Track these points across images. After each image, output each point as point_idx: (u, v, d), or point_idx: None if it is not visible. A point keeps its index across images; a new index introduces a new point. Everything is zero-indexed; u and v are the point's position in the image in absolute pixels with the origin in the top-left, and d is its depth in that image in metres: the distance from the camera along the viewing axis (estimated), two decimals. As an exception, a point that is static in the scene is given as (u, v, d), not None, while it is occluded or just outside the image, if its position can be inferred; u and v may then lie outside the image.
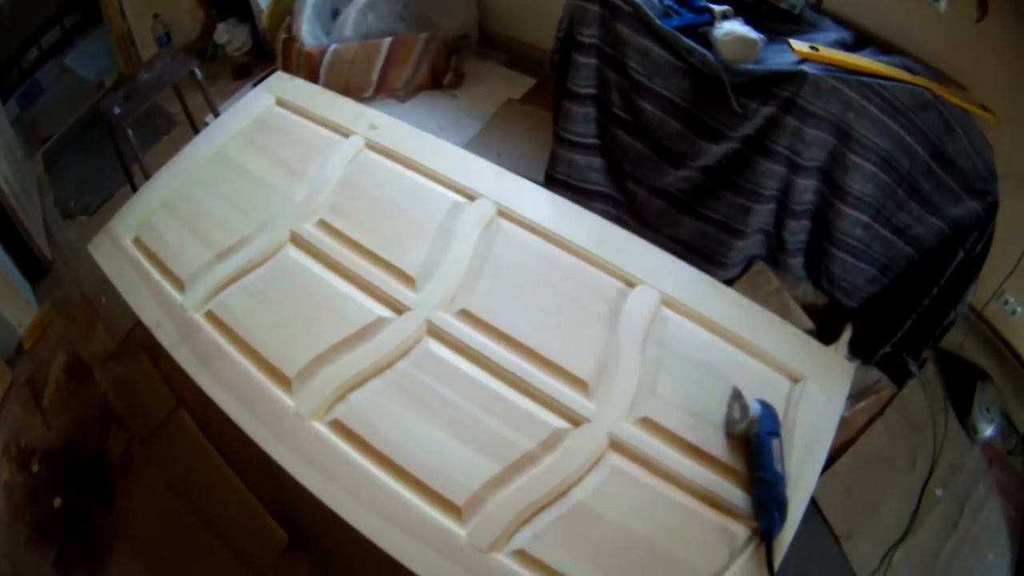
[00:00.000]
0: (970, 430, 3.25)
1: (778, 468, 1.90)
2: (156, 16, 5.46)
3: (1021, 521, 3.08)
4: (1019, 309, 3.25)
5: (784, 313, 3.12)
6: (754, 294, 3.09)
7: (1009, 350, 3.40)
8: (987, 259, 2.94)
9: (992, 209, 2.83)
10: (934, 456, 3.13)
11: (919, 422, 3.25)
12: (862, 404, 3.23)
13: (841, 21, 3.04)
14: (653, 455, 2.01)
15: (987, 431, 3.22)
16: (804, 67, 2.67)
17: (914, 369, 3.21)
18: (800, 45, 2.76)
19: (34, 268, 4.38)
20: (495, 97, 4.68)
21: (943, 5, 2.69)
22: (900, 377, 3.27)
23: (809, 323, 3.20)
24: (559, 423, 2.08)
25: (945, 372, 3.44)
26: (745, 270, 3.32)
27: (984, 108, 2.79)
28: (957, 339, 3.36)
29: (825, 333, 3.20)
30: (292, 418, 2.16)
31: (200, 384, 2.30)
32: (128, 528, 3.18)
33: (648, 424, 2.07)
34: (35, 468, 3.48)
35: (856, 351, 3.25)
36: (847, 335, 3.21)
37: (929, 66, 2.88)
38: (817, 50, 2.74)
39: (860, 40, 2.98)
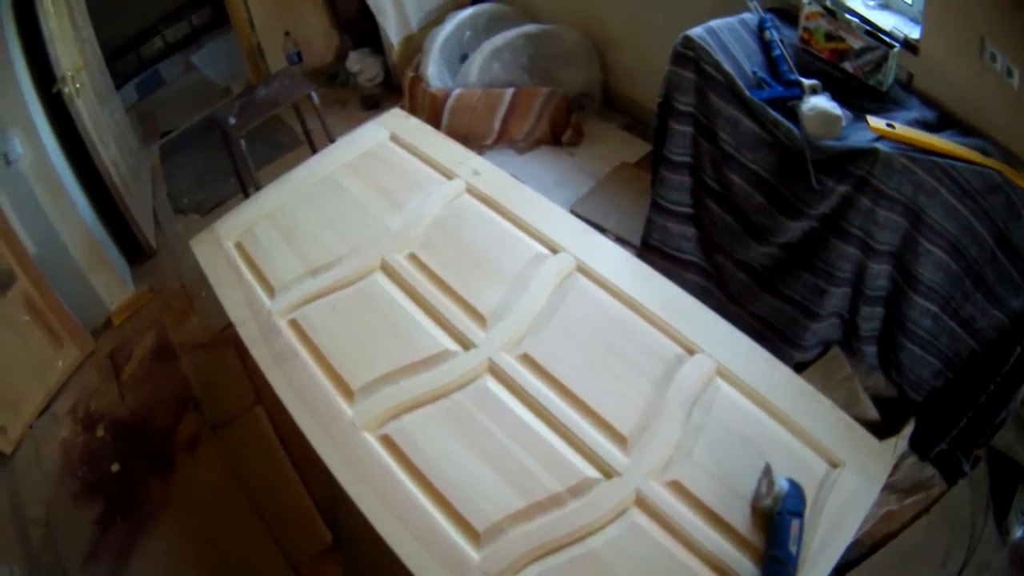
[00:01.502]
0: (1004, 531, 3.20)
1: (792, 549, 1.98)
2: (287, 34, 5.74)
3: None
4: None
5: (852, 401, 3.17)
6: (826, 380, 3.19)
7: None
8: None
9: (1055, 299, 2.77)
10: (966, 558, 3.11)
11: (959, 521, 3.21)
12: (911, 499, 3.21)
13: (929, 100, 3.00)
14: (675, 517, 2.12)
15: (1019, 532, 3.17)
16: (878, 144, 2.66)
17: (966, 467, 3.18)
18: (876, 122, 2.73)
19: (136, 251, 4.67)
20: (611, 158, 4.73)
21: (1016, 81, 2.61)
22: (952, 475, 3.25)
23: (875, 414, 3.21)
24: (592, 472, 2.22)
25: (993, 472, 3.39)
26: (822, 354, 3.33)
27: None
28: (1008, 439, 3.33)
29: (889, 425, 3.18)
30: (347, 426, 2.38)
31: (270, 380, 2.55)
32: (180, 501, 3.42)
33: (677, 487, 2.18)
34: (100, 433, 3.76)
35: (915, 446, 3.25)
36: (909, 429, 3.19)
37: (1005, 148, 2.80)
38: (893, 127, 2.71)
39: (943, 121, 2.93)
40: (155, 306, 4.43)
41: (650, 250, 3.52)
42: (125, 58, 6.41)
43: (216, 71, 6.56)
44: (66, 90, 3.93)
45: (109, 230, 4.56)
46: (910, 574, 3.05)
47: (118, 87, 5.74)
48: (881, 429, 3.11)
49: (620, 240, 3.87)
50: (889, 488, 3.12)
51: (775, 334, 3.26)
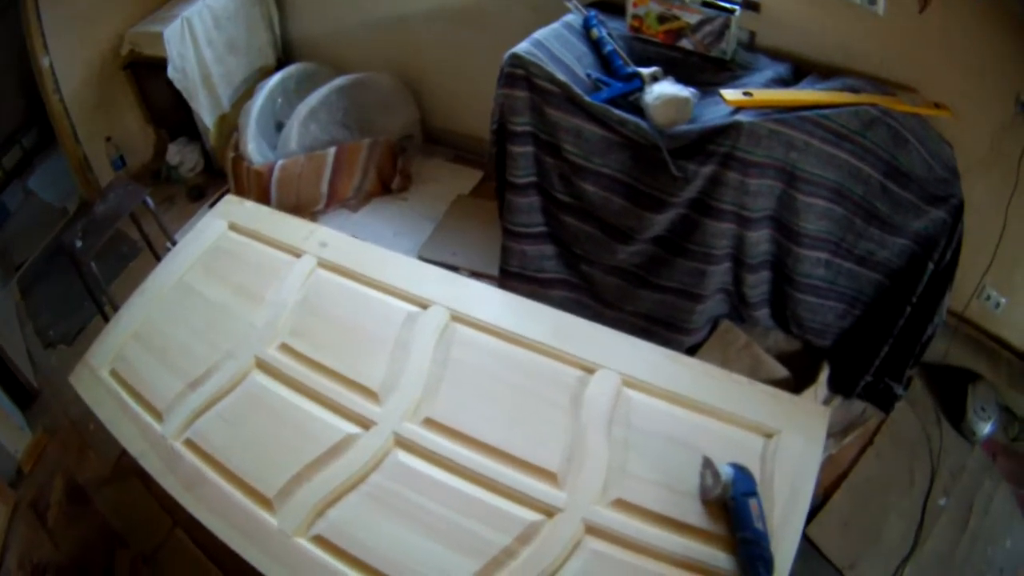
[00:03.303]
0: (967, 434, 3.19)
1: (758, 526, 1.89)
2: (108, 139, 5.41)
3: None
4: (1003, 300, 3.17)
5: (756, 367, 3.08)
6: (724, 353, 3.10)
7: (999, 343, 3.33)
8: (960, 261, 2.83)
9: (958, 211, 2.71)
10: (932, 468, 3.08)
11: (912, 441, 3.19)
12: (850, 438, 3.16)
13: (778, 55, 2.93)
14: (631, 534, 1.99)
15: (985, 429, 3.16)
16: (738, 117, 2.55)
17: (900, 391, 3.12)
18: (732, 94, 2.61)
19: (22, 395, 4.33)
20: (445, 195, 4.61)
21: (881, 7, 2.59)
22: (886, 403, 3.19)
23: (784, 371, 3.11)
24: (533, 516, 2.05)
25: (933, 385, 3.38)
26: (712, 331, 3.22)
27: (937, 106, 2.70)
28: (940, 349, 3.29)
29: (803, 377, 3.11)
30: (277, 536, 2.14)
31: (188, 509, 2.29)
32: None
33: (622, 504, 2.05)
34: (51, 584, 3.48)
35: (837, 387, 3.18)
36: (825, 374, 3.12)
37: (874, 79, 2.77)
38: (751, 95, 2.59)
39: (799, 71, 2.86)
40: (54, 447, 4.09)
41: (511, 278, 3.35)
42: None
43: (51, 192, 6.16)
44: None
45: (-6, 378, 4.25)
46: (879, 503, 3.00)
47: (-29, 227, 5.38)
48: (796, 384, 3.05)
49: (476, 274, 3.66)
50: (823, 435, 3.07)
51: (661, 326, 3.13)
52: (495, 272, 3.45)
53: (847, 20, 2.70)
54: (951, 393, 3.33)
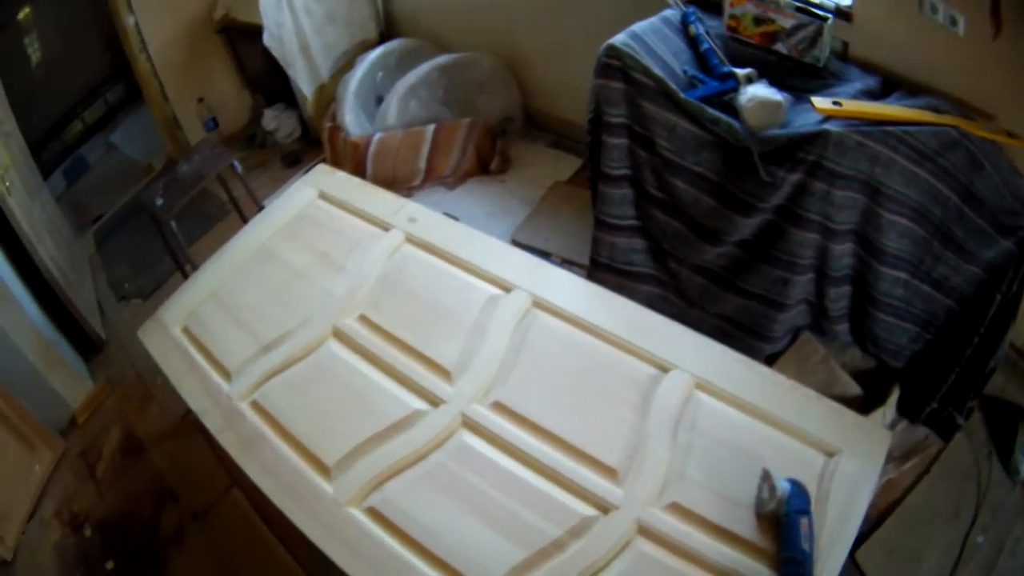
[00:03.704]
0: (1012, 471, 3.17)
1: (805, 547, 1.91)
2: (200, 100, 5.62)
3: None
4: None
5: (831, 382, 3.09)
6: (801, 365, 3.11)
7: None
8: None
9: (1024, 243, 2.73)
10: (977, 504, 3.07)
11: (962, 473, 3.18)
12: (909, 463, 3.17)
13: (868, 67, 2.93)
14: (681, 539, 2.02)
15: None
16: (827, 126, 2.57)
17: (960, 421, 3.12)
18: (822, 102, 2.61)
19: (87, 345, 4.52)
20: (542, 180, 4.66)
21: (961, 28, 2.57)
22: (947, 431, 3.19)
23: (857, 389, 3.13)
24: (587, 511, 2.11)
25: (989, 418, 3.35)
26: (792, 342, 3.24)
27: (1011, 135, 2.67)
28: (999, 383, 3.26)
29: (874, 397, 3.12)
30: (330, 504, 2.24)
31: (243, 467, 2.41)
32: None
33: (677, 509, 2.08)
34: (87, 533, 3.62)
35: (904, 411, 3.19)
36: (895, 397, 3.12)
37: (957, 101, 2.76)
38: (840, 105, 2.60)
39: (887, 86, 2.86)
40: (115, 399, 4.28)
41: (600, 268, 3.40)
42: (49, 147, 6.22)
43: (136, 148, 6.38)
44: (-3, 191, 3.78)
45: (59, 327, 4.40)
46: (923, 534, 3.00)
47: (46, 176, 5.60)
48: (866, 402, 3.05)
49: (567, 262, 3.77)
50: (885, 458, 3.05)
51: (743, 331, 3.16)
52: (586, 261, 3.50)
53: (931, 39, 2.70)
54: (1004, 428, 3.31)
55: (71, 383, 4.26)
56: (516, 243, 3.81)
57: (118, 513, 3.70)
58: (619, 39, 2.94)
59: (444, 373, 2.47)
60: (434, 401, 2.41)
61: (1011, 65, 2.61)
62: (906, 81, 2.83)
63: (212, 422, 2.56)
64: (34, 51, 5.97)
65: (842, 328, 3.11)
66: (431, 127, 4.62)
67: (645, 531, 2.06)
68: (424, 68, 4.68)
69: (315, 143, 5.46)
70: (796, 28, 2.85)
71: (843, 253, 2.82)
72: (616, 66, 2.92)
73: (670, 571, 2.00)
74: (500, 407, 2.36)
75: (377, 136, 4.53)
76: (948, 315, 2.95)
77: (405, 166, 4.64)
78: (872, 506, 2.90)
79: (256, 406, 2.56)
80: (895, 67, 2.85)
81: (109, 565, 3.50)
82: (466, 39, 4.98)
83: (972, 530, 3.02)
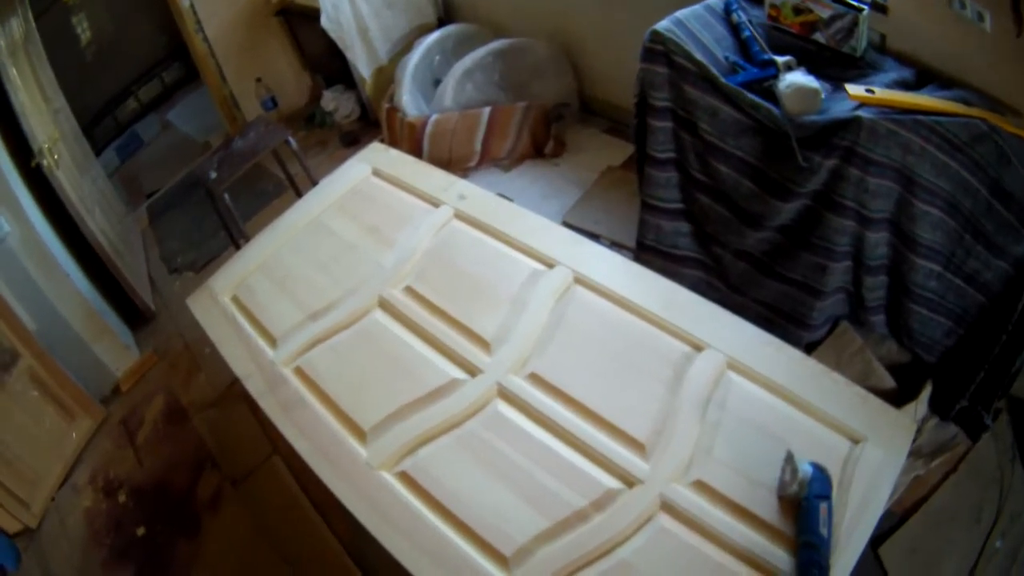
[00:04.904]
0: None
1: (823, 532, 1.96)
2: (259, 80, 5.77)
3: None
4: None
5: (867, 373, 3.13)
6: (839, 355, 3.18)
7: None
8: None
9: (1050, 242, 2.75)
10: (999, 508, 3.08)
11: (987, 475, 3.19)
12: (938, 461, 3.18)
13: (904, 59, 2.97)
14: (702, 517, 2.09)
15: None
16: (859, 112, 2.62)
17: (988, 421, 3.14)
18: (855, 89, 2.67)
19: (135, 316, 4.69)
20: (595, 164, 4.74)
21: (988, 24, 2.60)
22: (975, 431, 3.21)
23: (891, 382, 3.17)
24: (613, 483, 2.19)
25: (1015, 421, 3.33)
26: (831, 330, 3.28)
27: None
28: None
29: (907, 391, 3.15)
30: (363, 467, 2.37)
31: (281, 429, 2.53)
32: (208, 559, 3.43)
33: (701, 486, 2.15)
34: (122, 499, 3.77)
35: (935, 407, 3.21)
36: (927, 392, 3.14)
37: (987, 95, 2.79)
38: (873, 92, 2.66)
39: (921, 77, 2.90)
40: (161, 368, 4.44)
41: (646, 251, 3.49)
42: (103, 123, 6.41)
43: (193, 127, 6.57)
44: (45, 163, 3.96)
45: (106, 297, 4.57)
46: (944, 535, 3.02)
47: (98, 153, 5.79)
48: (899, 396, 3.09)
49: (616, 245, 3.85)
50: (915, 454, 3.09)
51: (783, 318, 3.24)
52: (633, 245, 3.58)
53: (960, 33, 2.73)
54: (1028, 433, 3.33)
55: (116, 352, 4.43)
56: (568, 224, 3.90)
57: (155, 479, 3.84)
58: (662, 25, 3.03)
59: (484, 344, 2.58)
60: (472, 371, 2.52)
61: (1036, 65, 2.66)
62: (939, 74, 2.88)
63: (255, 386, 2.70)
64: (83, 31, 6.20)
65: (878, 319, 3.17)
66: (487, 110, 4.75)
67: (668, 507, 2.14)
68: (480, 52, 4.78)
69: (373, 124, 5.61)
70: (833, 18, 2.91)
71: (878, 242, 2.88)
72: (660, 51, 3.01)
73: (687, 548, 2.07)
74: (535, 378, 2.46)
75: (434, 117, 4.66)
76: (979, 311, 3.00)
77: (461, 147, 4.77)
78: (899, 503, 2.99)
79: (299, 371, 2.69)
80: (928, 60, 2.91)
81: (140, 531, 3.63)
82: (522, 25, 5.08)
83: (992, 534, 3.05)
